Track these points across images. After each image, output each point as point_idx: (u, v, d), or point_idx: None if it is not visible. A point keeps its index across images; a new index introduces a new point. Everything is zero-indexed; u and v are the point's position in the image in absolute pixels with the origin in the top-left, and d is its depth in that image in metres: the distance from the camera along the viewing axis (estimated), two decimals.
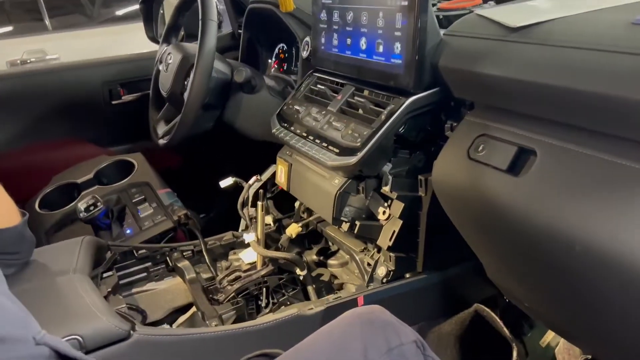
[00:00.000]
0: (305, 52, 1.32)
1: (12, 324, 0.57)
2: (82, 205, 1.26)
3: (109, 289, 1.03)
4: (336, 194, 1.02)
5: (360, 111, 1.03)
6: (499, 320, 1.11)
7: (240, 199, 1.24)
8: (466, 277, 1.12)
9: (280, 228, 1.36)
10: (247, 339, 0.95)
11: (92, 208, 1.26)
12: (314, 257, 1.30)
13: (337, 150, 0.99)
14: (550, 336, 1.22)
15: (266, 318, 0.96)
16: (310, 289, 1.18)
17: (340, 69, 1.15)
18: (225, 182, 1.26)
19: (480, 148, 0.86)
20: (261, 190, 1.07)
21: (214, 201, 1.84)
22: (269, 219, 1.34)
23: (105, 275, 1.09)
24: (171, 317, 1.20)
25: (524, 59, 0.79)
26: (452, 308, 1.13)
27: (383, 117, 0.96)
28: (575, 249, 0.69)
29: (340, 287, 1.21)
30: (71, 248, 1.05)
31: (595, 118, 0.70)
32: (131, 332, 0.85)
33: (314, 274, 1.24)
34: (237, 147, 1.60)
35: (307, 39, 1.32)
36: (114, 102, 1.80)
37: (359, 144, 0.96)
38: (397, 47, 0.96)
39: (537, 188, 0.76)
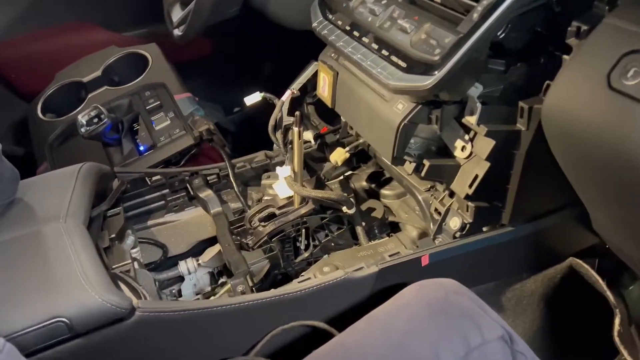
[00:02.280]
0: None
1: None
2: (83, 117, 1.04)
3: (113, 235, 0.84)
4: (400, 125, 0.74)
5: (439, 4, 0.72)
6: (599, 278, 0.88)
7: (272, 120, 0.98)
8: (561, 228, 0.87)
9: (323, 146, 1.10)
10: (282, 309, 0.75)
11: (95, 121, 1.04)
12: (364, 183, 1.06)
13: (403, 65, 0.70)
14: None
15: (304, 284, 0.76)
16: (359, 229, 0.96)
17: None
18: (252, 99, 0.99)
19: (631, 73, 0.56)
20: (297, 112, 0.81)
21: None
22: (308, 135, 1.09)
23: (110, 213, 0.89)
24: (196, 249, 1.03)
25: None
26: (539, 263, 0.89)
27: (476, 16, 0.64)
28: None
29: (395, 226, 0.98)
30: (66, 180, 0.84)
31: None
32: (133, 308, 0.67)
33: (363, 207, 1.01)
34: (271, 36, 1.29)
35: None
36: None
37: (437, 57, 0.66)
38: None
39: None
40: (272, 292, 0.74)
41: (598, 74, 0.58)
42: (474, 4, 0.66)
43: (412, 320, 0.64)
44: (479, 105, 0.71)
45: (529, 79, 0.72)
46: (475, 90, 0.71)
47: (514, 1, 0.62)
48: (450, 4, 0.70)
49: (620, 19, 0.59)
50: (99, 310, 0.65)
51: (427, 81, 0.66)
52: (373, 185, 1.05)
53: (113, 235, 0.85)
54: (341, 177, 1.08)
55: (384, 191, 1.03)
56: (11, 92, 1.46)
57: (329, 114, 1.15)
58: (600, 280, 0.87)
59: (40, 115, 1.25)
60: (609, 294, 0.86)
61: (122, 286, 0.73)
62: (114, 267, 0.78)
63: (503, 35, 0.68)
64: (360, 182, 1.06)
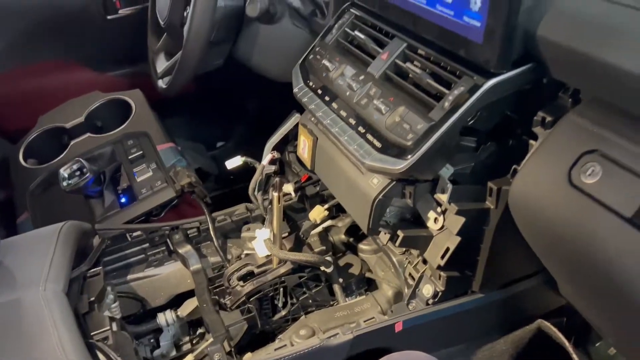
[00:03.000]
0: None
1: None
2: (64, 171, 1.05)
3: (92, 298, 0.85)
4: (375, 200, 0.77)
5: (414, 84, 0.75)
6: (564, 339, 0.91)
7: (252, 184, 1.00)
8: (530, 293, 0.90)
9: (303, 198, 1.13)
10: None
11: (77, 174, 1.05)
12: (342, 237, 1.08)
13: (378, 145, 0.73)
14: None
15: (281, 351, 0.78)
16: (336, 287, 0.98)
17: (388, 12, 0.83)
18: (232, 163, 1.02)
19: (590, 172, 0.59)
20: (277, 179, 0.83)
21: (227, 130, 1.61)
22: (289, 188, 1.11)
23: (90, 273, 0.90)
24: (175, 301, 1.04)
25: None
26: (509, 325, 0.92)
27: (447, 104, 0.68)
28: None
29: (371, 282, 1.01)
30: (46, 242, 0.86)
31: None
32: None
33: (341, 263, 1.03)
34: (255, 80, 1.31)
35: None
36: (109, 17, 1.50)
37: (410, 143, 0.69)
38: (476, 1, 0.64)
39: None
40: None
41: (560, 169, 0.62)
42: (446, 91, 0.69)
43: None
44: (449, 185, 0.74)
45: (498, 158, 0.76)
46: (446, 172, 0.74)
47: (481, 96, 0.65)
48: (423, 89, 0.73)
49: (582, 117, 0.63)
50: None
51: (399, 165, 0.69)
52: (351, 239, 1.07)
53: (92, 299, 0.85)
54: (320, 230, 1.10)
55: (362, 246, 1.05)
56: None
57: None
58: (566, 342, 0.90)
59: (22, 161, 1.26)
60: (574, 357, 0.89)
61: (100, 356, 0.74)
62: (92, 333, 0.79)
63: (474, 121, 0.71)
64: (339, 235, 1.09)
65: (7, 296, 0.76)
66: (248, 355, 0.82)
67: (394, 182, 0.77)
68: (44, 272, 0.80)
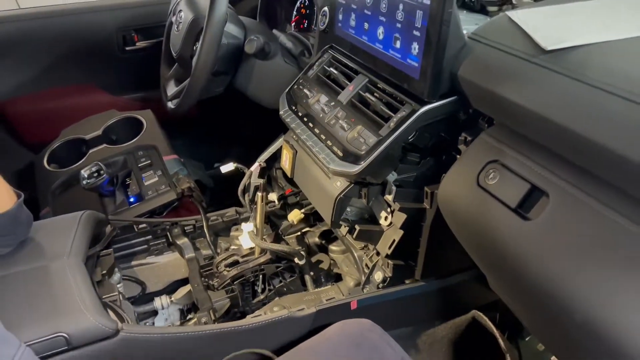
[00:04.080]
0: (322, 24, 1.22)
1: None
2: (85, 171, 1.25)
3: (104, 271, 1.03)
4: (337, 198, 0.97)
5: (371, 109, 0.96)
6: (495, 328, 1.09)
7: (241, 186, 1.20)
8: (467, 284, 1.09)
9: (285, 206, 1.33)
10: (236, 338, 0.95)
11: (95, 175, 1.25)
12: (316, 239, 1.28)
13: (340, 154, 0.93)
14: None
15: (256, 318, 0.96)
16: (307, 278, 1.16)
17: (356, 53, 1.05)
18: (226, 168, 1.22)
19: (491, 176, 0.80)
20: (262, 181, 1.03)
21: (223, 154, 1.81)
22: (273, 196, 1.31)
23: (102, 253, 1.09)
24: (170, 288, 1.22)
25: (551, 92, 0.70)
26: (448, 313, 1.10)
27: (392, 124, 0.89)
28: (575, 318, 0.64)
29: (339, 277, 1.19)
30: (69, 225, 1.04)
31: (621, 177, 0.62)
32: (118, 329, 0.86)
33: (313, 259, 1.22)
34: (249, 109, 1.53)
35: (326, 8, 1.21)
36: (127, 49, 1.73)
37: (363, 152, 0.90)
38: (415, 47, 0.86)
39: (545, 238, 0.70)
40: (229, 324, 0.94)
41: (471, 174, 0.82)
42: (393, 114, 0.90)
43: (334, 349, 0.84)
44: (394, 187, 0.94)
45: (435, 169, 0.96)
46: (392, 177, 0.95)
47: (417, 117, 0.86)
48: (377, 112, 0.94)
49: (490, 136, 0.83)
50: (91, 329, 0.84)
51: (355, 168, 0.89)
52: (324, 242, 1.26)
53: (104, 272, 1.04)
54: (298, 233, 1.30)
55: (332, 247, 1.24)
56: (18, 143, 1.67)
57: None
58: (496, 332, 1.08)
59: (45, 165, 1.46)
60: (501, 342, 1.07)
61: (110, 313, 0.92)
62: (104, 297, 0.97)
63: (413, 138, 0.92)
64: (314, 238, 1.28)
65: (37, 264, 0.95)
66: (228, 322, 1.00)
67: (352, 185, 0.97)
68: (67, 247, 0.98)
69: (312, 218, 1.34)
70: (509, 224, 0.75)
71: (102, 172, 1.25)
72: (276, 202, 1.31)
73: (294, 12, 1.62)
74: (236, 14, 1.42)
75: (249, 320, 0.96)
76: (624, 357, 0.58)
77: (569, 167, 0.69)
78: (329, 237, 1.28)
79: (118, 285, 1.10)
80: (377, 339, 0.86)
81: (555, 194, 0.70)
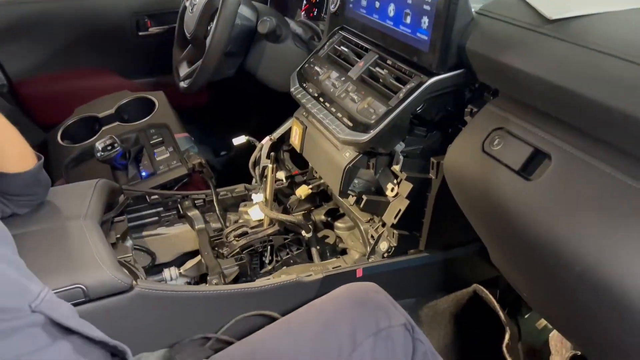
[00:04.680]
0: (333, 6, 1.26)
1: (9, 294, 0.60)
2: (99, 144, 1.28)
3: (118, 235, 1.07)
4: (345, 167, 1.01)
5: (380, 83, 1.00)
6: (496, 302, 1.12)
7: (252, 158, 1.24)
8: (468, 259, 1.12)
9: (292, 185, 1.36)
10: (245, 299, 0.98)
11: (109, 148, 1.28)
12: (322, 217, 1.31)
13: (350, 124, 0.97)
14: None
15: (265, 281, 0.99)
16: (314, 250, 1.20)
17: (366, 32, 1.09)
18: (238, 140, 1.26)
19: (496, 142, 0.83)
20: (272, 153, 1.07)
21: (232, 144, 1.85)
22: (281, 175, 1.34)
23: (116, 220, 1.12)
24: (179, 261, 1.25)
25: (555, 57, 0.73)
26: (450, 286, 1.14)
27: (401, 95, 0.93)
28: (575, 270, 0.68)
29: (344, 251, 1.23)
30: (85, 191, 1.08)
31: (622, 136, 0.66)
32: (133, 284, 0.89)
33: (319, 235, 1.25)
34: (258, 93, 1.57)
35: None
36: (140, 34, 1.78)
37: (373, 121, 0.93)
38: (425, 21, 0.90)
39: (546, 197, 0.73)
40: (239, 285, 0.97)
41: (476, 142, 0.86)
42: (402, 86, 0.94)
43: (339, 307, 0.87)
44: (401, 157, 0.98)
45: (441, 142, 1.00)
46: (400, 147, 0.98)
47: (425, 88, 0.90)
48: (386, 85, 0.98)
49: (495, 106, 0.87)
50: (108, 283, 0.87)
51: (364, 137, 0.93)
52: (329, 219, 1.30)
53: (118, 236, 1.07)
54: (305, 211, 1.33)
55: (338, 224, 1.27)
56: (31, 122, 1.70)
57: (300, 161, 1.41)
58: (497, 305, 1.11)
59: (59, 140, 1.49)
60: (501, 314, 1.10)
61: (124, 270, 0.95)
62: (119, 257, 1.00)
63: (421, 110, 0.95)
64: (320, 215, 1.31)
65: (55, 223, 0.98)
66: (238, 284, 1.03)
67: (361, 155, 1.01)
68: (83, 209, 1.02)
69: (318, 198, 1.37)
70: (512, 186, 0.79)
71: (116, 145, 1.28)
72: (284, 180, 1.34)
73: (304, 1, 1.66)
74: None
75: (259, 282, 0.99)
76: (622, 303, 0.62)
77: (571, 131, 0.73)
78: (334, 215, 1.31)
79: (129, 254, 1.14)
80: (382, 299, 0.89)
81: (557, 155, 0.73)
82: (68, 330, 0.63)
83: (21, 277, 0.64)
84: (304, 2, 1.64)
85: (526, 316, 1.23)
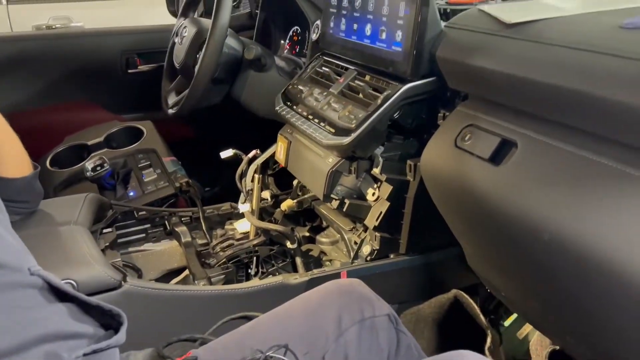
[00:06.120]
0: (315, 35, 1.36)
1: (10, 253, 0.62)
2: (89, 164, 1.32)
3: (107, 244, 1.09)
4: (329, 171, 1.06)
5: (360, 95, 1.07)
6: (476, 307, 1.16)
7: (239, 171, 1.29)
8: (448, 263, 1.16)
9: (277, 204, 1.40)
10: (232, 301, 1.00)
11: (98, 168, 1.32)
12: (306, 232, 1.34)
13: (332, 130, 1.04)
14: (527, 329, 1.25)
15: (252, 283, 1.02)
16: (299, 261, 1.22)
17: (345, 53, 1.18)
18: (226, 153, 1.31)
19: (467, 137, 0.90)
20: (259, 164, 1.12)
21: (218, 174, 1.90)
22: (266, 194, 1.39)
23: (104, 231, 1.14)
24: (165, 278, 1.26)
25: (516, 54, 0.82)
26: (432, 291, 1.17)
27: (379, 101, 1.00)
28: (544, 237, 0.73)
29: (328, 263, 1.26)
30: (75, 202, 1.10)
31: (576, 115, 0.73)
32: (122, 282, 0.91)
33: (304, 248, 1.28)
34: (243, 122, 1.64)
35: (318, 22, 1.35)
36: (130, 71, 1.85)
37: (353, 126, 1.00)
38: (399, 35, 0.99)
39: (513, 178, 0.79)
40: (226, 286, 0.99)
41: (449, 139, 0.92)
42: (379, 94, 1.02)
43: (325, 297, 0.90)
44: (381, 159, 1.04)
45: (418, 147, 1.06)
46: (379, 150, 1.05)
47: (400, 94, 0.97)
48: (365, 96, 1.05)
49: (465, 107, 0.95)
50: (98, 279, 0.89)
51: (346, 140, 1.00)
52: (313, 234, 1.33)
53: (107, 244, 1.09)
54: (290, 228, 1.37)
55: (321, 238, 1.31)
56: None
57: (284, 185, 1.46)
58: (478, 310, 1.15)
59: (48, 166, 1.53)
60: (482, 320, 1.13)
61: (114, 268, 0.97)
62: (109, 261, 1.02)
63: (398, 116, 1.02)
64: (304, 232, 1.35)
65: (46, 228, 1.00)
66: (224, 285, 1.05)
67: (343, 160, 1.07)
68: (73, 217, 1.04)
69: (303, 219, 1.41)
70: (483, 173, 0.85)
71: (105, 165, 1.32)
72: (269, 199, 1.38)
73: (286, 40, 1.77)
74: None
75: (246, 284, 1.01)
76: (590, 263, 0.66)
77: (533, 119, 0.81)
78: (318, 230, 1.35)
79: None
80: (367, 292, 0.92)
81: (522, 142, 0.80)
82: (65, 296, 0.64)
83: (19, 245, 0.67)
84: (287, 40, 1.76)
85: (507, 325, 1.26)
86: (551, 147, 0.76)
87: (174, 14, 2.08)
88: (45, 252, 0.92)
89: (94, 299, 0.65)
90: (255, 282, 1.02)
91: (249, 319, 1.01)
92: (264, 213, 1.39)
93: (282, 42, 1.76)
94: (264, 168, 1.46)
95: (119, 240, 1.25)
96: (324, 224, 1.34)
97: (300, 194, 1.37)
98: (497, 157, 0.84)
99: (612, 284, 0.66)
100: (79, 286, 0.87)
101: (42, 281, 0.62)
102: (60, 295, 0.64)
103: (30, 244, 0.93)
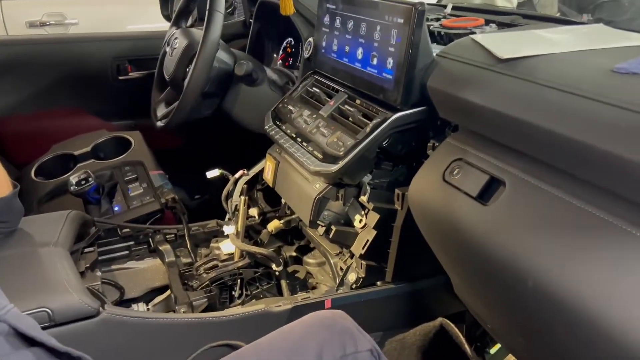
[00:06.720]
0: (307, 52, 1.34)
1: None
2: (73, 178, 1.30)
3: (87, 265, 1.07)
4: (315, 198, 1.04)
5: (349, 120, 1.05)
6: (462, 336, 1.14)
7: (225, 191, 1.27)
8: (435, 291, 1.15)
9: (265, 221, 1.38)
10: (213, 329, 0.98)
11: (83, 182, 1.30)
12: (293, 253, 1.33)
13: (320, 156, 1.02)
14: (512, 358, 1.24)
15: (234, 310, 1.00)
16: (284, 284, 1.21)
17: (336, 74, 1.16)
18: (212, 173, 1.29)
19: (456, 172, 0.88)
20: (245, 185, 1.10)
21: (206, 185, 1.88)
22: (254, 212, 1.37)
23: (86, 250, 1.12)
24: (148, 297, 1.24)
25: (506, 91, 0.80)
26: (418, 319, 1.15)
27: (368, 129, 0.98)
28: (528, 284, 0.71)
29: (314, 286, 1.24)
30: (56, 220, 1.08)
31: (564, 159, 0.72)
32: (100, 310, 0.89)
33: (290, 269, 1.27)
34: (233, 136, 1.62)
35: (311, 39, 1.33)
36: (120, 78, 1.83)
37: (341, 153, 0.98)
38: (390, 62, 0.97)
39: (501, 219, 0.78)
40: (207, 314, 0.98)
41: (438, 172, 0.91)
42: (369, 122, 1.00)
43: (307, 331, 0.88)
44: (369, 188, 1.02)
45: (407, 176, 1.05)
46: (367, 178, 1.03)
47: (390, 123, 0.96)
48: (355, 121, 1.04)
49: (455, 139, 0.93)
50: (74, 307, 0.87)
51: (333, 167, 0.98)
52: (300, 255, 1.32)
53: (88, 265, 1.07)
54: (276, 248, 1.35)
55: (307, 259, 1.29)
56: (6, 159, 1.71)
57: (272, 201, 1.44)
58: (463, 338, 1.13)
59: (33, 176, 1.50)
60: (467, 348, 1.12)
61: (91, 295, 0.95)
62: (87, 285, 1.00)
63: (387, 144, 1.00)
64: (290, 251, 1.33)
65: (25, 249, 0.98)
66: (206, 313, 1.03)
67: (330, 186, 1.05)
68: (54, 237, 1.02)
69: (290, 237, 1.40)
70: (470, 211, 0.83)
71: (90, 179, 1.30)
72: (256, 217, 1.36)
73: (280, 52, 1.75)
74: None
75: (227, 312, 0.99)
76: (571, 311, 0.65)
77: (522, 158, 0.79)
78: (305, 251, 1.33)
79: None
80: (349, 325, 0.90)
81: (510, 181, 0.79)
82: (32, 342, 0.62)
83: None
84: (281, 51, 1.74)
85: (492, 352, 1.25)
86: (539, 190, 0.74)
87: (167, 18, 2.05)
88: (21, 277, 0.90)
89: (62, 346, 0.63)
90: (237, 310, 1.00)
91: (230, 346, 0.99)
92: (251, 231, 1.37)
93: (275, 55, 1.74)
94: (252, 183, 1.44)
95: (102, 258, 1.23)
96: (312, 244, 1.32)
97: (288, 212, 1.36)
98: (485, 195, 0.82)
99: (593, 335, 0.64)
100: (54, 315, 0.85)
101: (8, 327, 0.60)
102: (27, 340, 0.62)
103: (6, 268, 0.92)
